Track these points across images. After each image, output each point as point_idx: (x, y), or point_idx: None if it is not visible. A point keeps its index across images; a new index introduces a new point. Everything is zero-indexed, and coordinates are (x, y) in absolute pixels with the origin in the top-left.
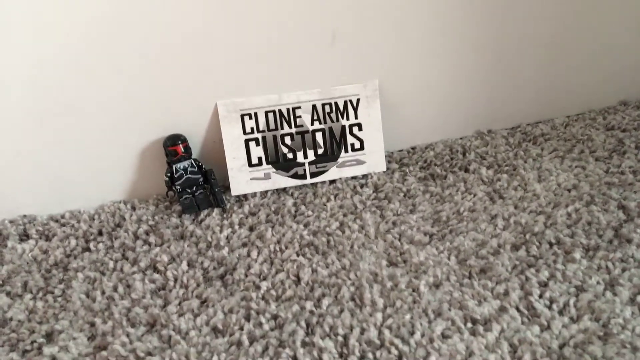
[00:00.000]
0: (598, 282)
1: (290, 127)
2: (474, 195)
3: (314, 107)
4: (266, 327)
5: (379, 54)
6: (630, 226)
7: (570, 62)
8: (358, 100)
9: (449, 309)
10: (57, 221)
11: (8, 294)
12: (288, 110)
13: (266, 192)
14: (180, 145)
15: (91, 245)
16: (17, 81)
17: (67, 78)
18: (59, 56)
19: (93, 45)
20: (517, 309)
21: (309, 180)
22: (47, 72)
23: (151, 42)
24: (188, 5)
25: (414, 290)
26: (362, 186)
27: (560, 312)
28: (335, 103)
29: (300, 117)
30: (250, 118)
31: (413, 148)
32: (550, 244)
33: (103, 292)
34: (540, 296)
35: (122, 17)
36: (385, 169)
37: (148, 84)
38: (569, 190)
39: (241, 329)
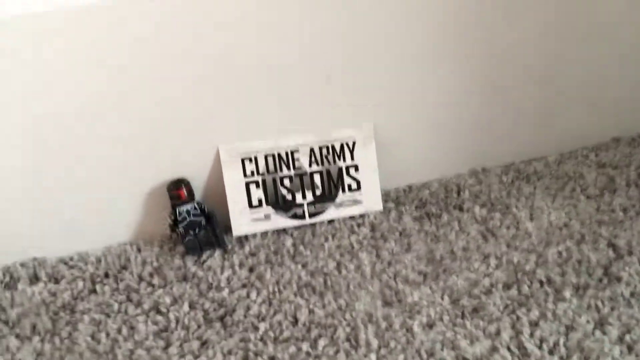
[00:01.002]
0: (588, 321)
1: (289, 169)
2: (468, 234)
3: (312, 150)
4: None
5: (373, 97)
6: (619, 264)
7: (563, 99)
8: (354, 142)
9: (442, 349)
10: (65, 263)
11: (17, 336)
12: (287, 153)
13: (266, 232)
14: (184, 189)
15: (97, 287)
16: (24, 126)
17: (73, 124)
18: (65, 103)
19: (98, 92)
20: (508, 348)
21: (307, 221)
22: (53, 118)
23: (155, 91)
24: (188, 54)
25: (407, 331)
26: (359, 225)
27: (551, 352)
28: (332, 146)
29: (298, 159)
30: (251, 161)
31: (409, 186)
32: (541, 283)
33: (108, 334)
34: (531, 335)
35: (126, 66)
36: (381, 209)
37: (152, 130)
38: (560, 229)
39: None
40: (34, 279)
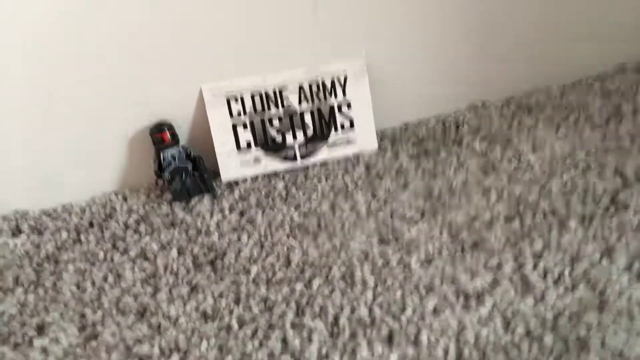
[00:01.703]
0: (594, 251)
1: (277, 108)
2: (467, 169)
3: (301, 87)
4: (255, 310)
5: (365, 28)
6: (627, 192)
7: (565, 27)
8: (346, 77)
9: (441, 284)
10: (49, 215)
11: (0, 288)
12: (275, 91)
13: (257, 177)
14: (167, 132)
15: (82, 237)
16: (1, 77)
17: (50, 69)
18: (41, 48)
19: (75, 35)
20: (511, 281)
21: (299, 162)
22: (31, 65)
23: (133, 30)
24: None
25: (405, 267)
26: (353, 166)
27: (555, 282)
28: (323, 82)
29: (287, 98)
30: (237, 101)
31: (405, 124)
32: (545, 214)
33: (93, 283)
34: (534, 267)
35: (103, 5)
36: (377, 148)
37: (131, 72)
38: (564, 159)
39: (231, 313)
40: (17, 231)
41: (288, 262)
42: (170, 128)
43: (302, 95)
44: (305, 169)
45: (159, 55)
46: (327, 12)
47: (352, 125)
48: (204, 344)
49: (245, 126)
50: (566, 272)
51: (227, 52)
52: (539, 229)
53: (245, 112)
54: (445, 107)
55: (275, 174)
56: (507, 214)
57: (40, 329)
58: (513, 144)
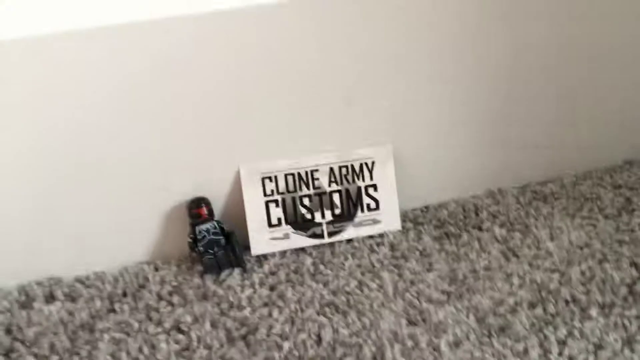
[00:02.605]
0: (615, 340)
1: (308, 188)
2: (489, 254)
3: (331, 169)
4: None
5: (392, 118)
6: None
7: (577, 120)
8: (373, 162)
9: None
10: (82, 282)
11: (35, 355)
12: (307, 172)
13: (285, 251)
14: (204, 208)
15: (116, 306)
16: (42, 140)
17: (91, 139)
18: (84, 117)
19: (119, 106)
20: None
21: (326, 240)
22: (71, 133)
23: (178, 109)
24: (212, 71)
25: (434, 349)
26: (378, 245)
27: None
28: (352, 165)
29: (318, 179)
30: (271, 181)
31: (426, 207)
32: (567, 302)
33: (128, 353)
34: (560, 354)
35: (149, 80)
36: (400, 228)
37: (174, 148)
38: (581, 248)
39: None
40: (50, 297)
41: (319, 340)
42: (207, 204)
43: (332, 177)
44: (332, 245)
45: (200, 135)
46: (358, 103)
47: (377, 206)
48: None
49: (277, 204)
50: None
51: (265, 137)
52: (561, 316)
53: (278, 191)
54: (464, 192)
55: (303, 250)
56: (531, 300)
57: None
58: (531, 232)
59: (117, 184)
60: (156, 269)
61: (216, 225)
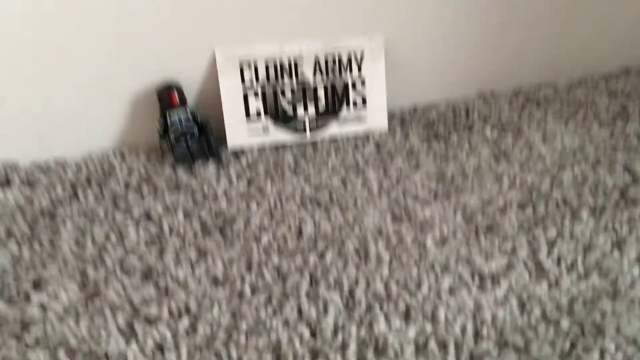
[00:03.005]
0: (605, 241)
1: (291, 79)
2: (479, 155)
3: (317, 59)
4: (268, 278)
5: (386, 8)
6: (636, 188)
7: (575, 26)
8: (363, 54)
9: (456, 265)
10: (40, 168)
11: None
12: (290, 61)
13: (264, 146)
14: (175, 93)
15: (79, 193)
16: (2, 21)
17: (55, 19)
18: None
19: None
20: (525, 265)
21: (308, 135)
22: (37, 17)
23: None
24: None
25: (420, 245)
26: (363, 144)
27: (568, 270)
28: (339, 56)
29: (302, 67)
30: (250, 68)
31: (414, 106)
32: (557, 204)
33: (94, 241)
34: (548, 253)
35: None
36: (386, 127)
37: (142, 26)
38: (575, 152)
39: (242, 279)
40: (5, 182)
41: (300, 233)
42: (179, 89)
43: (318, 68)
44: (314, 142)
45: (171, 11)
46: None
47: (364, 103)
48: (216, 308)
49: (256, 94)
50: (579, 260)
51: (245, 15)
52: (551, 217)
53: (258, 80)
54: (454, 93)
55: (283, 146)
56: (520, 201)
57: (37, 285)
58: (524, 134)
59: (82, 63)
60: (123, 157)
61: (189, 113)
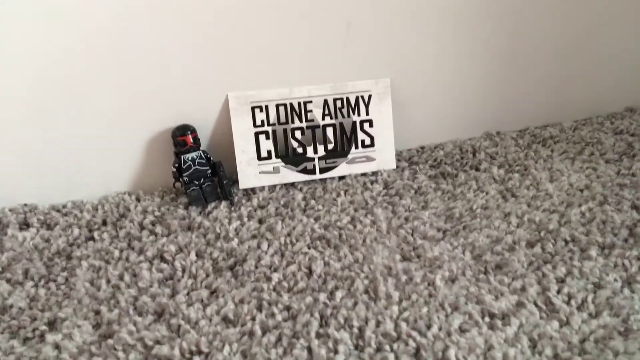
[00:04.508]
0: (615, 279)
1: (301, 121)
2: (487, 193)
3: (326, 101)
4: (279, 317)
5: (392, 52)
6: None
7: (579, 68)
8: (370, 96)
9: (466, 303)
10: (59, 211)
11: (8, 281)
12: (299, 103)
13: (274, 186)
14: (190, 136)
15: (95, 234)
16: (22, 68)
17: (73, 64)
18: (66, 44)
19: (101, 32)
20: (535, 304)
21: (318, 176)
22: (52, 58)
23: (161, 32)
24: None
25: (429, 284)
26: (372, 183)
27: (579, 308)
28: (347, 98)
29: (311, 111)
30: (261, 111)
31: (422, 147)
32: (566, 242)
33: (108, 281)
34: (558, 292)
35: (132, 7)
36: (395, 167)
37: (158, 73)
38: (582, 190)
39: (253, 319)
40: (24, 224)
41: (310, 272)
42: (193, 131)
43: (326, 110)
44: (324, 182)
45: (187, 60)
46: (357, 33)
47: (372, 143)
48: (227, 348)
49: (267, 136)
50: (589, 299)
51: (256, 63)
52: (560, 256)
53: (268, 122)
54: (461, 134)
55: (293, 185)
56: (529, 239)
57: (52, 325)
58: (530, 173)
59: (99, 110)
60: (138, 199)
61: (202, 155)
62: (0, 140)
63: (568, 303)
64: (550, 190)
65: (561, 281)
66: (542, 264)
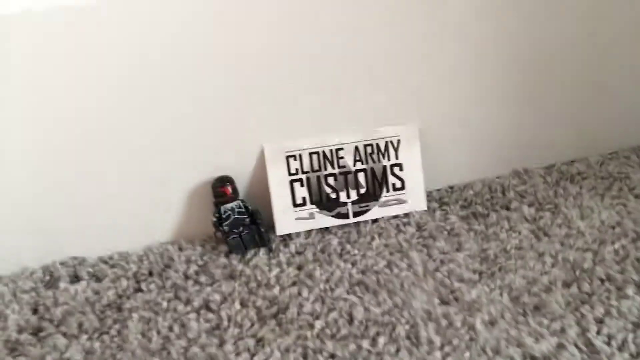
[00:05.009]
0: None
1: (333, 167)
2: (519, 233)
3: (357, 148)
4: None
5: (418, 97)
6: None
7: (601, 101)
8: (399, 141)
9: (507, 347)
10: (106, 262)
11: (64, 334)
12: (331, 151)
13: (310, 232)
14: (229, 187)
15: (143, 285)
16: (66, 121)
17: (113, 119)
18: (106, 96)
19: (144, 84)
20: (576, 345)
21: (351, 220)
22: (93, 113)
23: (201, 87)
24: (235, 51)
25: (469, 328)
26: (404, 225)
27: (620, 349)
28: (377, 144)
29: (342, 157)
30: (295, 159)
31: (451, 187)
32: (602, 281)
33: (159, 332)
34: (598, 332)
35: (171, 58)
36: (426, 208)
37: (196, 127)
38: (613, 227)
39: None
40: (75, 277)
41: (351, 319)
42: (232, 182)
43: (357, 156)
44: (357, 225)
45: (223, 114)
46: (383, 81)
47: (403, 186)
48: None
49: (302, 183)
50: (629, 338)
51: (289, 116)
52: (597, 295)
53: (302, 170)
54: (489, 172)
55: (328, 230)
56: (565, 279)
57: None
58: (561, 211)
59: (141, 164)
60: (180, 249)
61: (241, 204)
62: (46, 192)
63: (608, 344)
64: (582, 228)
65: (600, 321)
66: (580, 304)
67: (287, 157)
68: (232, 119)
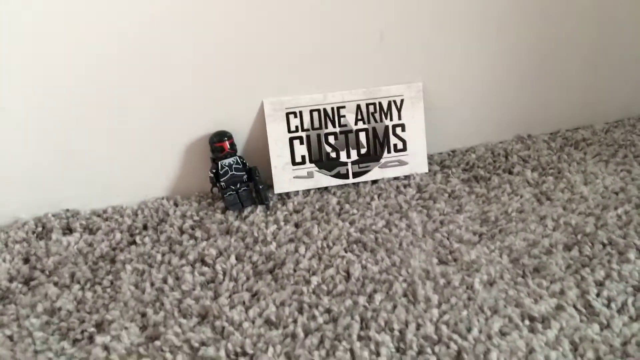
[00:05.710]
0: None
1: (334, 126)
2: (521, 197)
3: (358, 106)
4: (320, 320)
5: (423, 57)
6: None
7: (609, 69)
8: (402, 101)
9: (505, 307)
10: (100, 216)
11: (56, 284)
12: (333, 109)
13: (308, 190)
14: (227, 142)
15: (137, 239)
16: (62, 76)
17: (109, 74)
18: (103, 50)
19: (142, 41)
20: (575, 307)
21: (351, 180)
22: (91, 64)
23: (199, 41)
24: (236, 4)
25: (468, 288)
26: (405, 187)
27: (619, 311)
28: (380, 103)
29: (344, 116)
30: (295, 117)
31: (453, 151)
32: (603, 245)
33: (152, 284)
34: (598, 295)
35: (172, 15)
36: (427, 171)
37: (195, 81)
38: (617, 193)
39: (295, 321)
40: (67, 229)
41: (348, 276)
42: (230, 138)
43: (359, 115)
44: (357, 186)
45: (223, 68)
46: (389, 38)
47: (404, 147)
48: (271, 349)
49: (301, 141)
50: (629, 302)
51: (290, 70)
52: (598, 259)
53: (302, 128)
54: (492, 137)
55: (327, 190)
56: (566, 243)
57: (100, 327)
58: (564, 176)
59: (137, 118)
60: (176, 204)
61: (239, 161)
62: (42, 146)
63: (608, 306)
64: (585, 193)
65: (600, 284)
66: (580, 267)
67: (287, 114)
68: (232, 72)
